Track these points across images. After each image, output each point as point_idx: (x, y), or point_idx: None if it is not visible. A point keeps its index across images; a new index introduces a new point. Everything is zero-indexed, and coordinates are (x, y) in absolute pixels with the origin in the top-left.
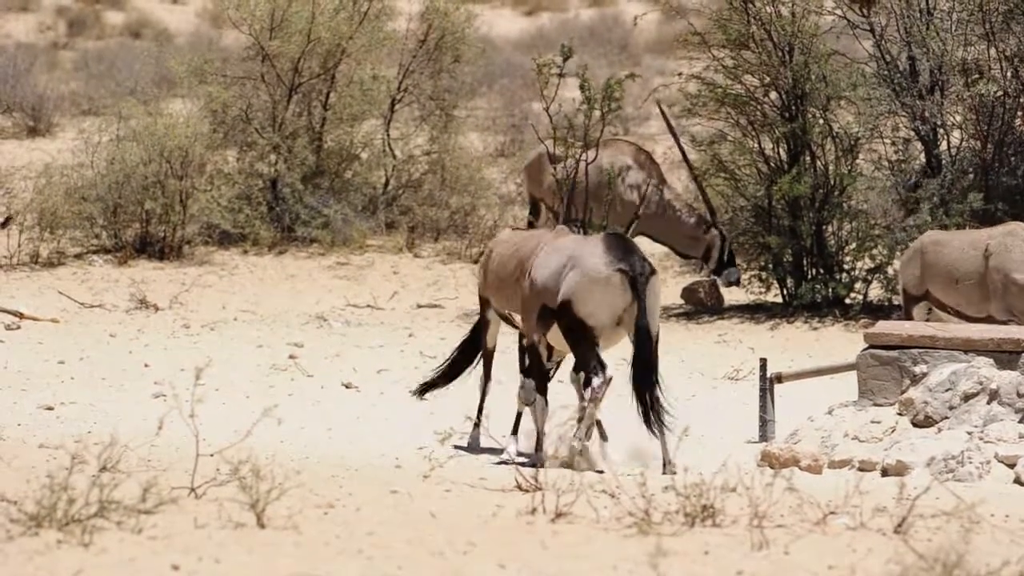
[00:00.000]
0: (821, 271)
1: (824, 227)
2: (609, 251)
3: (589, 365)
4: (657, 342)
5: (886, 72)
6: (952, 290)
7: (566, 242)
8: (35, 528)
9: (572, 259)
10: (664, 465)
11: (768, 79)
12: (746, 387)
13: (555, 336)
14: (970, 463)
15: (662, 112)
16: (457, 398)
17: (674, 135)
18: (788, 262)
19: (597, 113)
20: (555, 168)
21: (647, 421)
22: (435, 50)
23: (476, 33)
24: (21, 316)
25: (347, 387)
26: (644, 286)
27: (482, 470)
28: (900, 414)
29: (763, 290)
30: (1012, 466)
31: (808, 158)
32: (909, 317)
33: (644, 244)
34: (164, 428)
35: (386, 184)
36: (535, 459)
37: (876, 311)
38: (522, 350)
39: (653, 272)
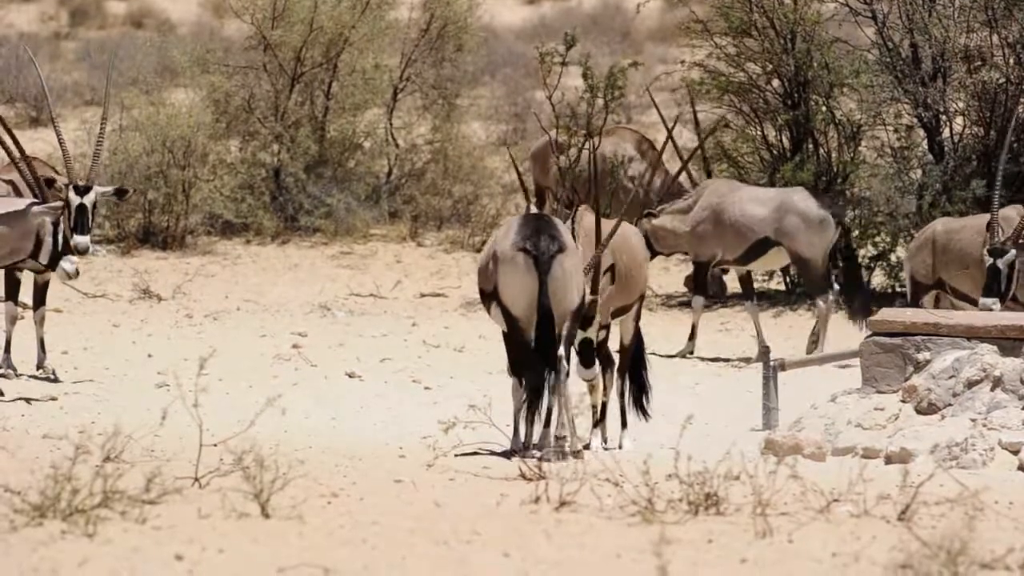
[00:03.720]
0: None
1: None
2: (519, 231)
3: (520, 363)
4: (574, 323)
5: (888, 59)
6: (967, 275)
7: (507, 221)
8: (39, 518)
9: (496, 241)
10: (539, 448)
11: (770, 67)
12: (749, 375)
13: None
14: (974, 450)
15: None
16: (460, 387)
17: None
18: None
19: (600, 101)
20: (558, 156)
21: (530, 405)
22: (437, 39)
23: (478, 22)
24: (23, 307)
25: (351, 376)
26: (547, 265)
27: (486, 459)
28: (903, 401)
29: (766, 278)
30: (1016, 453)
31: (811, 145)
32: (916, 306)
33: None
34: (168, 418)
35: (389, 173)
36: (514, 445)
37: (879, 298)
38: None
39: (561, 250)
